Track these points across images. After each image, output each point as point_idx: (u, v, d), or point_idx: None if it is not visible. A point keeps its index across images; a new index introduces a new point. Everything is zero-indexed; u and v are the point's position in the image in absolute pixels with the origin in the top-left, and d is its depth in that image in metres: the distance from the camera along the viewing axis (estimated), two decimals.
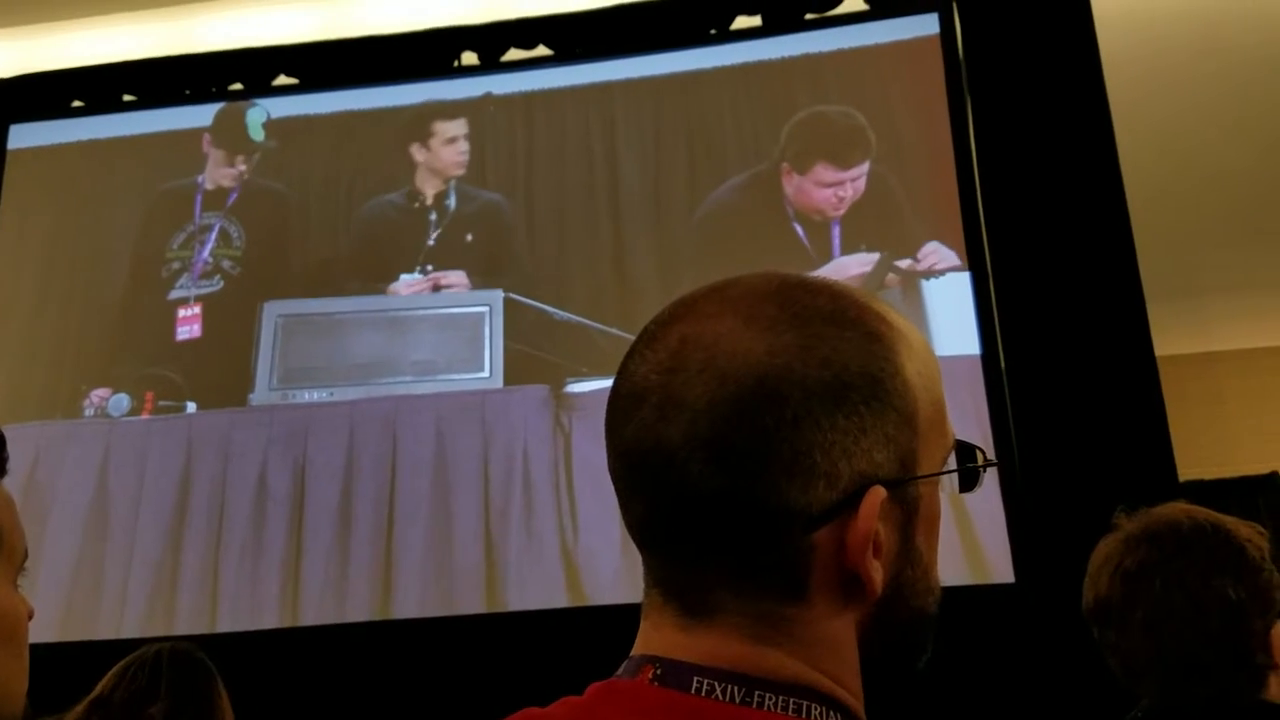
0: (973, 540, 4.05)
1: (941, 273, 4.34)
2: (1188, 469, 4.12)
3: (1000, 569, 3.98)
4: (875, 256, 4.39)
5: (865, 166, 4.45)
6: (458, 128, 4.70)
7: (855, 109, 4.54)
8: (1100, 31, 4.44)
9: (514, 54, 4.73)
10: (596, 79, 4.76)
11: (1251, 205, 5.04)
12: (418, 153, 4.69)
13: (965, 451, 0.67)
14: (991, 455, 4.08)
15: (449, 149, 4.67)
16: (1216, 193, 5.06)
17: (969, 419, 4.15)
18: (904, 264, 4.36)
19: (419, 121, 4.75)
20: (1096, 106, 4.28)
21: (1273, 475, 4.54)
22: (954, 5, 4.49)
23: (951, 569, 4.08)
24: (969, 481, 0.66)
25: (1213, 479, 4.18)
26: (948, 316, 4.31)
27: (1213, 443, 4.36)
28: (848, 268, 4.42)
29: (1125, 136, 4.38)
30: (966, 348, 4.24)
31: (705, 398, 0.59)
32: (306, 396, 4.27)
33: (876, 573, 0.59)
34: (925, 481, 0.62)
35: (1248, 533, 1.18)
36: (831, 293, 0.64)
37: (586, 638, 3.34)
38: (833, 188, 4.45)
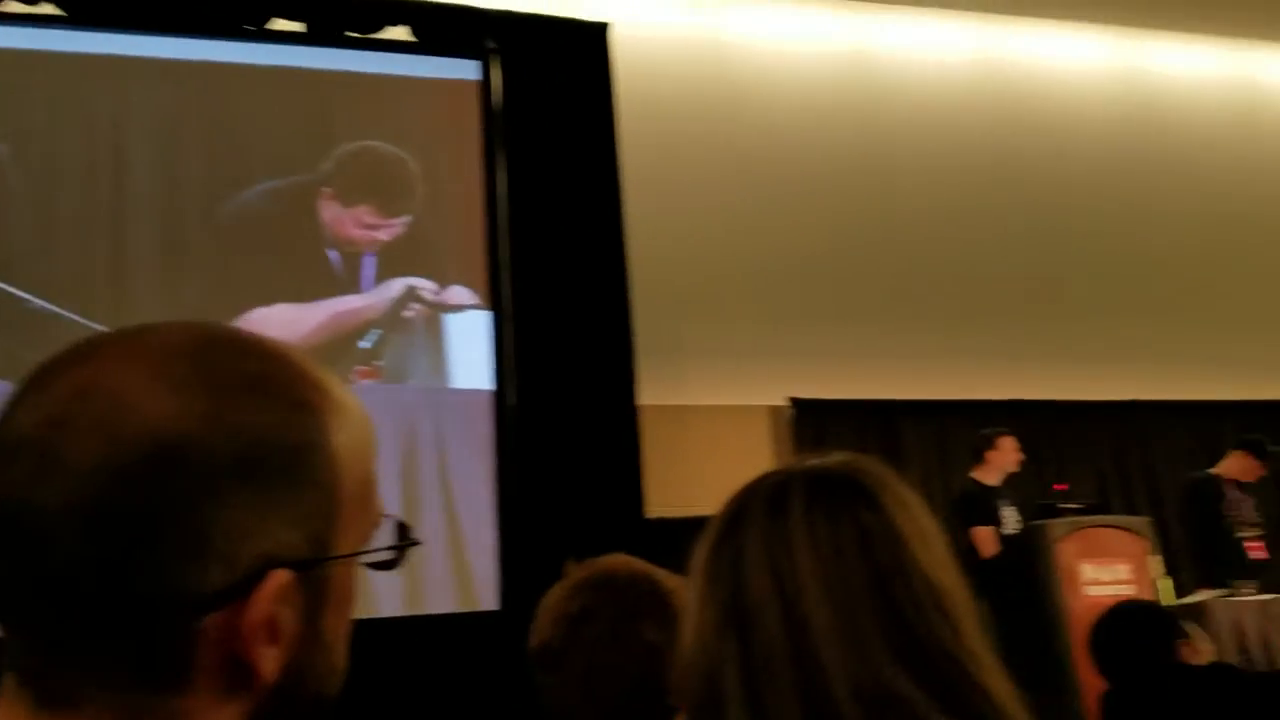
0: (465, 569, 4.20)
1: (463, 309, 4.50)
2: (657, 507, 4.63)
3: (487, 597, 4.17)
4: (403, 285, 4.43)
5: (408, 218, 4.50)
6: None
7: (395, 139, 4.56)
8: (623, 114, 4.92)
9: (16, 6, 4.12)
10: (112, 51, 4.30)
11: (734, 281, 5.85)
12: None
13: (393, 529, 0.63)
14: (490, 490, 4.27)
15: None
16: (705, 267, 5.81)
17: (477, 452, 4.33)
18: (430, 296, 4.45)
19: None
20: (611, 182, 4.74)
21: None
22: (492, 57, 4.71)
23: (442, 597, 4.17)
24: (389, 563, 0.63)
25: (676, 517, 4.71)
26: (466, 352, 4.47)
27: (679, 485, 4.91)
28: (375, 297, 4.42)
29: (636, 209, 4.88)
30: (481, 383, 4.43)
31: (91, 460, 0.52)
32: None
33: (269, 661, 0.55)
34: (341, 561, 0.59)
35: (674, 584, 1.30)
36: (262, 354, 0.58)
37: None
38: (371, 229, 4.44)
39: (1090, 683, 2.50)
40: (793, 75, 6.37)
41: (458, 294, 4.51)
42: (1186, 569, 5.24)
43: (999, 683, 0.80)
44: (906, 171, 6.30)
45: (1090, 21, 6.86)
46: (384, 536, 0.63)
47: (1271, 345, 6.47)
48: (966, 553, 4.87)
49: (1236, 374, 6.35)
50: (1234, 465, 5.13)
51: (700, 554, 0.89)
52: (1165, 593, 4.46)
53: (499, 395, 4.38)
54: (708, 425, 5.62)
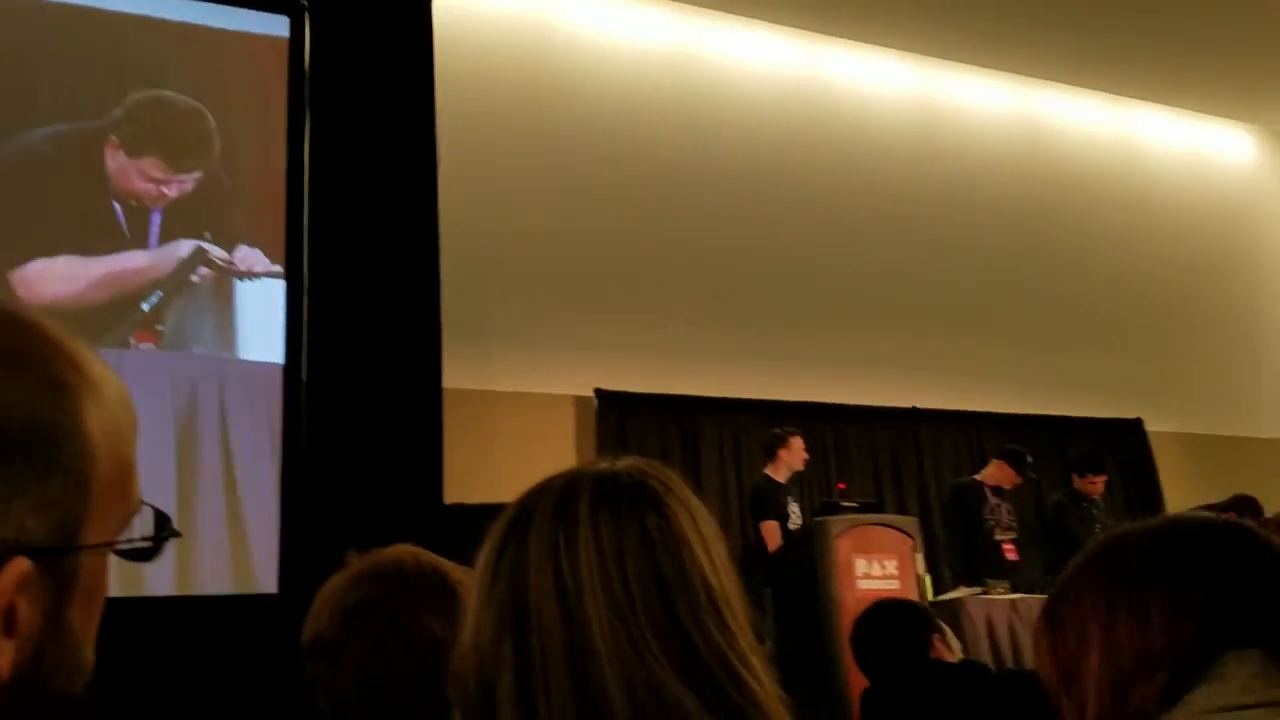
0: (243, 549, 4.01)
1: (257, 276, 4.28)
2: (457, 493, 4.56)
3: (266, 580, 3.99)
4: (192, 246, 4.18)
5: (200, 174, 4.25)
6: None
7: (195, 91, 4.28)
8: (441, 89, 4.80)
9: None
10: None
11: (546, 269, 5.84)
12: None
13: (151, 518, 0.61)
14: (275, 469, 4.08)
15: None
16: (518, 252, 5.77)
17: (263, 427, 4.13)
18: (221, 260, 4.21)
19: None
20: (426, 157, 4.61)
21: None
22: (305, 15, 4.50)
23: (217, 578, 3.97)
24: (144, 553, 0.60)
25: (477, 504, 4.65)
26: (257, 322, 4.25)
27: (481, 471, 4.85)
28: (160, 256, 4.14)
29: (449, 186, 4.77)
30: (271, 355, 4.23)
31: None
32: None
33: (4, 655, 0.52)
34: (91, 551, 0.56)
35: (460, 575, 1.28)
36: (13, 325, 0.55)
37: None
38: (158, 183, 4.17)
39: (859, 675, 2.65)
40: (616, 68, 6.41)
41: (251, 259, 4.28)
42: (947, 567, 5.64)
43: (767, 686, 0.83)
44: (718, 174, 6.47)
45: (895, 49, 7.25)
46: (143, 525, 0.60)
47: (1034, 364, 7.04)
48: (756, 545, 5.07)
49: (1002, 388, 6.88)
50: (995, 473, 5.55)
51: (484, 553, 0.89)
52: (927, 588, 4.78)
53: (290, 369, 4.19)
54: (513, 412, 5.59)
